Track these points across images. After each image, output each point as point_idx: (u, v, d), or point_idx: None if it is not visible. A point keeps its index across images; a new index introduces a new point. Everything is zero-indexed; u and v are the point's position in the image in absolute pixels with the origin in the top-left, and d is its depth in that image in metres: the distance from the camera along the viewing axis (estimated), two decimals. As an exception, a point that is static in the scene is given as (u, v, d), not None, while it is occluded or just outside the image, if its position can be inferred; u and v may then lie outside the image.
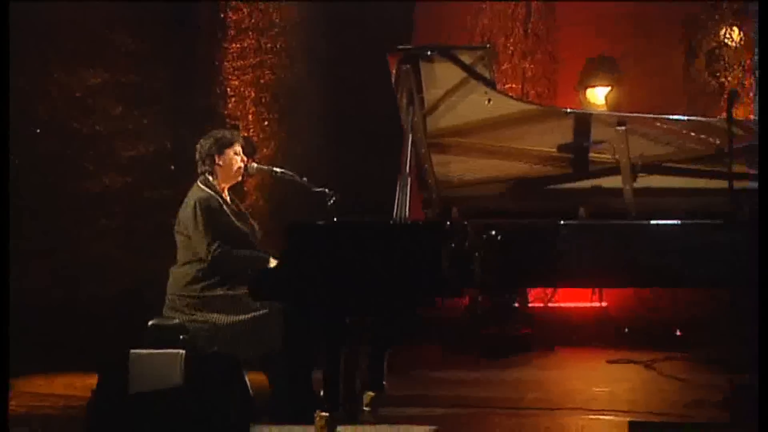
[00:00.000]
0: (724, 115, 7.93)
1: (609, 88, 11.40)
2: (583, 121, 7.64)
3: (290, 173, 8.54)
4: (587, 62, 11.56)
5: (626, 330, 10.69)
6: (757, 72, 10.43)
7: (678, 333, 9.09)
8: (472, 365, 9.94)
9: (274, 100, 10.96)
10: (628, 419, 6.94)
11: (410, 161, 7.39)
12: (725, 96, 10.27)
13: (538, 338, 10.73)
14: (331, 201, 7.78)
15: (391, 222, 7.26)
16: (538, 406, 8.23)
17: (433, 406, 8.17)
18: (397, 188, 7.29)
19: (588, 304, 11.30)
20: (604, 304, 11.22)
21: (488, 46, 8.36)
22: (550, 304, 11.21)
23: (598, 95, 11.42)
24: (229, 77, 10.91)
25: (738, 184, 7.18)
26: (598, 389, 8.88)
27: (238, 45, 10.95)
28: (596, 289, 11.02)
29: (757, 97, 5.99)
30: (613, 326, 10.93)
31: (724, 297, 8.98)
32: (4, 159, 7.13)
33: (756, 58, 10.51)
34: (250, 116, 10.90)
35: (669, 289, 9.92)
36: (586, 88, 11.48)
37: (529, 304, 11.04)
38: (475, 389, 8.99)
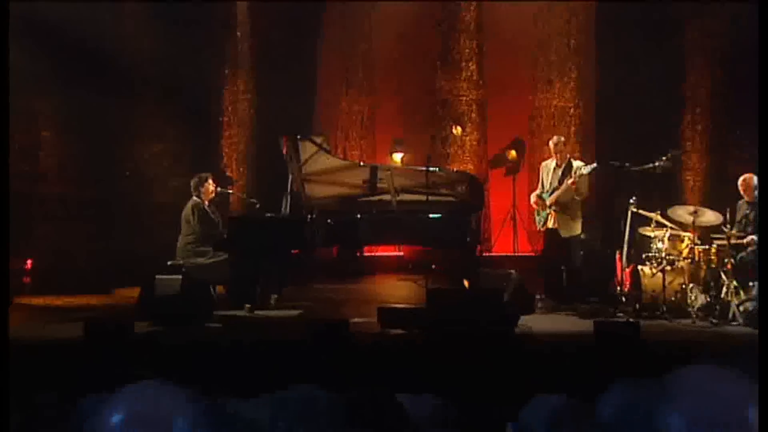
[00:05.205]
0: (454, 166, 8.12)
1: (402, 154, 11.52)
2: (373, 168, 7.81)
3: (236, 192, 8.61)
4: (392, 142, 11.69)
5: (410, 266, 10.67)
6: None
7: (433, 266, 9.16)
8: (334, 282, 9.87)
9: (246, 156, 10.96)
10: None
11: (292, 188, 7.56)
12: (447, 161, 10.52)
13: (366, 270, 10.73)
14: (257, 206, 7.89)
15: (280, 216, 7.43)
16: (362, 298, 8.23)
17: (309, 301, 8.12)
18: (284, 201, 7.47)
19: (394, 253, 11.29)
20: (401, 253, 11.20)
21: (326, 133, 8.44)
22: (375, 254, 11.18)
23: (397, 158, 11.52)
24: (224, 147, 10.87)
25: (440, 198, 7.46)
26: (388, 293, 8.93)
27: (228, 132, 10.93)
28: (397, 246, 11.00)
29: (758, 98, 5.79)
30: (404, 263, 10.92)
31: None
32: (4, 163, 6.55)
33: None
34: (234, 165, 10.86)
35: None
36: (392, 154, 11.58)
37: (364, 254, 11.00)
38: (333, 293, 9.00)
